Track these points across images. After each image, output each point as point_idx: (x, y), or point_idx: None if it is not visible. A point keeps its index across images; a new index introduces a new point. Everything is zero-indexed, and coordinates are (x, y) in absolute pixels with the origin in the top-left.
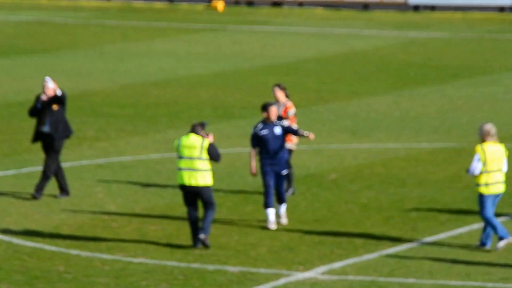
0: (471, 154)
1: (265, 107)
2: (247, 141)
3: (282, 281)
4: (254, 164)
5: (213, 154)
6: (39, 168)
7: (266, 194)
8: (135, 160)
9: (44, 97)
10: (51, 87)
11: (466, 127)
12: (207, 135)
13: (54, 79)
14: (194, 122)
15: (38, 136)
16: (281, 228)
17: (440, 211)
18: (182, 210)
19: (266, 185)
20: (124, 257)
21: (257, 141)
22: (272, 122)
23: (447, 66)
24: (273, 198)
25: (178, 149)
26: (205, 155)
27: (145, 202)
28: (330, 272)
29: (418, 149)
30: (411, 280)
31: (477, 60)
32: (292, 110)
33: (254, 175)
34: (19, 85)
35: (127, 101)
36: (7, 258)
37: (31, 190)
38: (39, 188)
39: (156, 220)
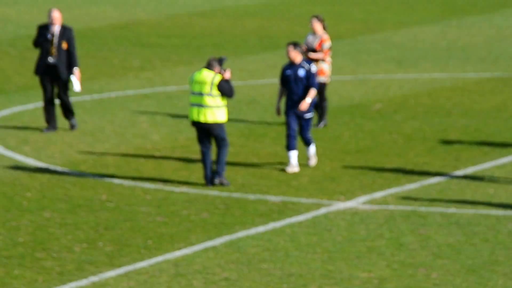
0: None
1: (286, 47)
2: None
3: (322, 210)
4: (279, 103)
5: (225, 90)
6: (87, 98)
7: (287, 136)
8: (180, 90)
9: (55, 28)
10: (58, 17)
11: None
12: (224, 71)
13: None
14: (211, 56)
15: (43, 67)
16: (323, 158)
17: (484, 141)
18: None
19: (287, 128)
20: (166, 187)
21: (283, 80)
22: (299, 63)
23: None
24: (295, 141)
25: (190, 84)
26: (215, 92)
27: (188, 132)
28: (371, 201)
29: (464, 79)
30: (452, 210)
31: None
32: (327, 43)
33: (278, 115)
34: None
35: (173, 31)
36: (51, 186)
37: (77, 120)
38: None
39: (199, 149)
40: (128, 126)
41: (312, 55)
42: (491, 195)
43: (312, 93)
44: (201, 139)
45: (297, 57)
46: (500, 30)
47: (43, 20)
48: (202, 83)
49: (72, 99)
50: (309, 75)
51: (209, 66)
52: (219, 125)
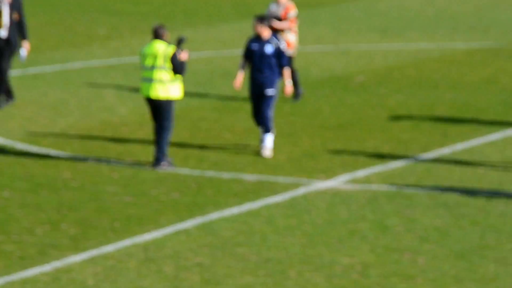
0: (510, 55)
1: (253, 21)
2: None
3: (301, 190)
4: (240, 78)
5: (177, 64)
6: (48, 68)
7: (253, 116)
8: None
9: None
10: None
11: (505, 25)
12: (182, 51)
13: None
14: (155, 25)
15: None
16: (302, 135)
17: (473, 116)
18: (197, 114)
19: (252, 107)
20: (135, 164)
21: (247, 54)
22: (266, 39)
23: None
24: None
25: (141, 58)
26: (168, 64)
27: None
28: (353, 181)
29: (452, 50)
30: (439, 191)
31: None
32: (292, 12)
33: (237, 88)
34: None
35: None
36: (10, 163)
37: (38, 92)
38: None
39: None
40: (93, 99)
41: (277, 24)
42: (480, 174)
43: (287, 73)
44: (153, 116)
45: (264, 31)
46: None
47: None
48: (154, 56)
49: (34, 70)
50: (280, 54)
51: (158, 36)
52: (169, 103)
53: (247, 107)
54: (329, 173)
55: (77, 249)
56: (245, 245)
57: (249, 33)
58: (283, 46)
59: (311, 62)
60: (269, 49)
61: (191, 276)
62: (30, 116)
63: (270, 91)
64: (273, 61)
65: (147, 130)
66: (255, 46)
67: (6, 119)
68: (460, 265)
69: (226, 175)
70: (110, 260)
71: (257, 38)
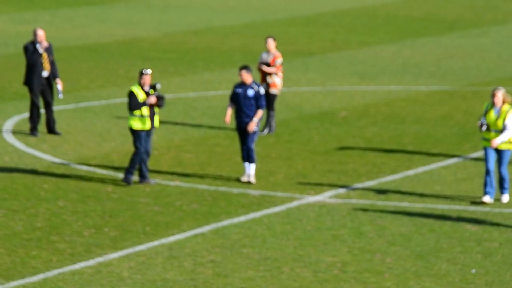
0: (462, 96)
1: (239, 70)
2: None
3: (295, 203)
4: (229, 115)
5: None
6: (96, 103)
7: (241, 150)
8: (176, 97)
9: (45, 44)
10: (43, 35)
11: (459, 72)
12: (151, 95)
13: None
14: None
15: (38, 79)
16: (296, 158)
17: (433, 145)
18: (213, 141)
19: (240, 142)
20: (163, 181)
21: (234, 97)
22: (249, 84)
23: (444, 20)
24: (246, 154)
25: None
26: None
27: (182, 134)
28: (336, 196)
29: (416, 91)
30: (404, 204)
31: (469, 14)
32: (279, 60)
33: (227, 123)
34: (78, 32)
35: (170, 47)
36: (64, 179)
37: (88, 122)
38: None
39: (191, 149)
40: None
41: (266, 68)
42: (437, 191)
43: (259, 113)
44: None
45: (248, 78)
46: (447, 49)
47: (60, 35)
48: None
49: (84, 104)
50: (258, 96)
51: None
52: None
53: None
54: (318, 190)
55: (116, 248)
56: (249, 246)
57: (254, 76)
58: (262, 90)
59: (304, 100)
60: (251, 92)
61: (206, 271)
62: (81, 141)
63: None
64: (254, 102)
65: (173, 153)
66: (239, 90)
67: (62, 143)
68: (420, 264)
69: (235, 190)
70: (142, 257)
71: (241, 84)
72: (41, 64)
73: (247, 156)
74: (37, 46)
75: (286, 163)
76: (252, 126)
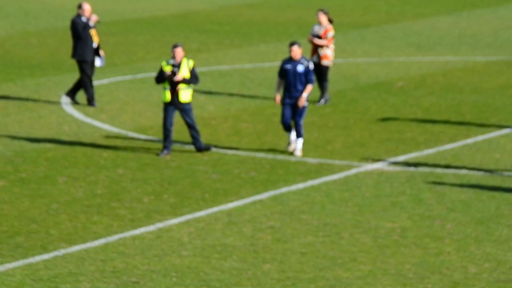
0: None
1: (289, 46)
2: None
3: (353, 171)
4: (278, 93)
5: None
6: (151, 74)
7: (282, 124)
8: (231, 69)
9: (94, 18)
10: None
11: None
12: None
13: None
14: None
15: (90, 52)
16: (354, 127)
17: (491, 114)
18: (270, 111)
19: (282, 116)
20: (221, 149)
21: (282, 73)
22: (298, 59)
23: None
24: (290, 126)
25: None
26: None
27: (239, 104)
28: (395, 164)
29: (474, 62)
30: (464, 171)
31: None
32: (330, 33)
33: (277, 103)
34: (134, 5)
35: (225, 20)
36: (123, 148)
37: (145, 93)
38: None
39: (248, 118)
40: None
41: (318, 41)
42: (497, 159)
43: (309, 88)
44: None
45: (298, 54)
46: (504, 20)
47: (116, 9)
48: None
49: (141, 75)
50: (307, 72)
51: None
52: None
53: (312, 106)
54: (376, 158)
55: (175, 214)
56: (308, 212)
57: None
58: (311, 66)
59: (361, 71)
60: (300, 68)
61: (265, 236)
62: (139, 111)
63: (304, 103)
64: (304, 78)
65: (230, 123)
66: (288, 66)
67: (121, 113)
68: (480, 230)
69: (293, 158)
70: (201, 223)
71: (290, 59)
72: (91, 37)
73: (296, 132)
74: (84, 19)
75: (344, 132)
76: (302, 101)
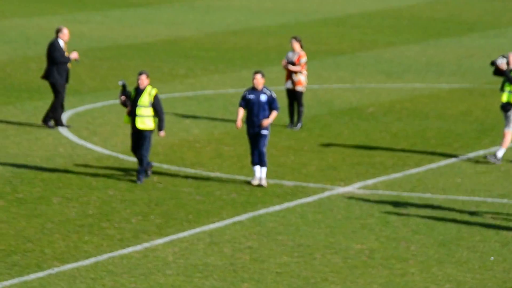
0: (481, 93)
1: (254, 74)
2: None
3: (326, 194)
4: (240, 120)
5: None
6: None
7: (251, 154)
8: (216, 93)
9: (75, 55)
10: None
11: (478, 71)
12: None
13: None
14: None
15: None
16: (327, 151)
17: (454, 139)
18: None
19: (250, 147)
20: (204, 171)
21: (244, 102)
22: (260, 89)
23: (465, 22)
24: (257, 158)
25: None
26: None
27: (222, 127)
28: (364, 187)
29: (439, 89)
30: (428, 195)
31: (489, 17)
32: (303, 59)
33: (238, 128)
34: (127, 32)
35: (211, 46)
36: (114, 169)
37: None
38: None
39: (230, 142)
40: (174, 122)
41: (291, 67)
42: (458, 183)
43: (275, 114)
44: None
45: (261, 84)
46: (468, 49)
47: (110, 35)
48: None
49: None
50: (272, 100)
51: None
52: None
53: (287, 131)
54: (347, 181)
55: (161, 234)
56: (283, 233)
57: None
58: (274, 94)
59: (335, 96)
60: (263, 97)
61: (244, 256)
62: (129, 134)
63: (264, 131)
64: (267, 107)
65: (213, 145)
66: (251, 96)
67: (112, 136)
68: (442, 251)
69: (271, 181)
70: (185, 243)
71: (253, 89)
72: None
73: (259, 160)
74: (62, 44)
75: (318, 156)
76: (266, 122)
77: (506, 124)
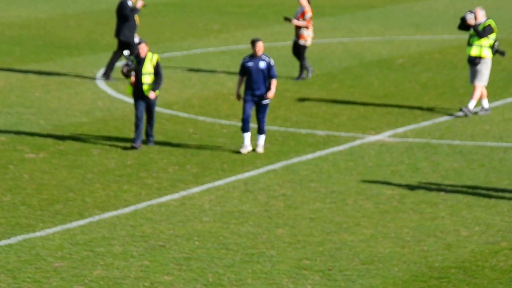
0: (509, 43)
1: (252, 43)
2: (336, 33)
3: (357, 142)
4: (239, 90)
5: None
6: (178, 53)
7: (242, 120)
8: (249, 48)
9: (141, 3)
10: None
11: (507, 22)
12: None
13: None
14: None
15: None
16: (358, 101)
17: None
18: (283, 87)
19: (243, 112)
20: (238, 122)
21: (244, 71)
22: (259, 56)
23: None
24: (249, 125)
25: None
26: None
27: None
28: (394, 135)
29: (467, 39)
30: (456, 142)
31: None
32: (308, 14)
33: (238, 99)
34: None
35: (244, 2)
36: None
37: (170, 71)
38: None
39: None
40: (209, 76)
41: (296, 22)
42: (486, 130)
43: (274, 83)
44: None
45: (260, 51)
46: (495, 1)
47: None
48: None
49: (167, 55)
50: (270, 67)
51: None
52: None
53: (320, 82)
54: (378, 130)
55: (198, 183)
56: (316, 180)
57: (320, 28)
58: (272, 61)
59: (365, 49)
60: (263, 64)
61: (278, 203)
62: (165, 87)
63: (265, 101)
64: (266, 73)
65: None
66: (250, 64)
67: None
68: (471, 196)
69: (303, 131)
70: (221, 191)
71: (251, 56)
72: (135, 20)
73: (259, 128)
74: (130, 3)
75: (349, 106)
76: (272, 94)
77: (477, 77)
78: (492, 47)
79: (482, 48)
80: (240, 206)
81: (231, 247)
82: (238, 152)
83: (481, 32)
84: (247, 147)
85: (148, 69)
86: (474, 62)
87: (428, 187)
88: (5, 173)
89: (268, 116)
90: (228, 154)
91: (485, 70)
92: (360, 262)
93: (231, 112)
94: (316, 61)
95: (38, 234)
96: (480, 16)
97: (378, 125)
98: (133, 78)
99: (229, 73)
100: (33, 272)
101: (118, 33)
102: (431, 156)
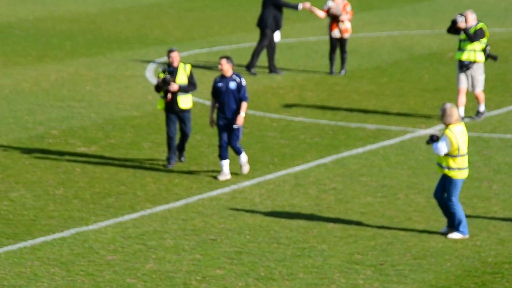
0: None
1: (219, 60)
2: (385, 27)
3: (408, 136)
4: (212, 115)
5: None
6: (227, 47)
7: (219, 147)
8: (298, 41)
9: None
10: None
11: None
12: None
13: None
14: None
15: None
16: (408, 95)
17: None
18: (332, 80)
19: (219, 139)
20: (288, 116)
21: (214, 92)
22: (229, 76)
23: None
24: (227, 152)
25: None
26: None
27: (304, 74)
28: None
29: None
30: (509, 136)
31: None
32: (349, 6)
33: (211, 125)
34: None
35: None
36: (201, 115)
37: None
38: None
39: (312, 87)
40: (258, 70)
41: (341, 17)
42: None
43: (245, 106)
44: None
45: (228, 70)
46: None
47: None
48: None
49: (217, 48)
50: (240, 88)
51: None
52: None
53: (370, 75)
54: (428, 123)
55: (248, 177)
56: (367, 175)
57: (369, 21)
58: (243, 82)
59: (414, 43)
60: (233, 85)
61: (328, 197)
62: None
63: (235, 126)
64: (237, 95)
65: (296, 91)
66: (220, 84)
67: (199, 83)
68: None
69: (353, 124)
70: (271, 184)
71: (222, 77)
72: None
73: (235, 152)
74: None
75: (399, 100)
76: (240, 120)
77: (475, 85)
78: (484, 51)
79: (476, 52)
80: (291, 200)
81: (282, 241)
82: (287, 146)
83: (473, 35)
84: (226, 175)
85: (181, 79)
86: (467, 67)
87: (480, 181)
88: (57, 166)
89: (318, 110)
90: (278, 148)
91: (480, 76)
92: (412, 257)
93: (280, 106)
94: (365, 55)
95: (90, 227)
96: (471, 20)
97: (429, 118)
98: (169, 96)
99: (278, 66)
100: (86, 265)
101: (262, 22)
102: (483, 150)
